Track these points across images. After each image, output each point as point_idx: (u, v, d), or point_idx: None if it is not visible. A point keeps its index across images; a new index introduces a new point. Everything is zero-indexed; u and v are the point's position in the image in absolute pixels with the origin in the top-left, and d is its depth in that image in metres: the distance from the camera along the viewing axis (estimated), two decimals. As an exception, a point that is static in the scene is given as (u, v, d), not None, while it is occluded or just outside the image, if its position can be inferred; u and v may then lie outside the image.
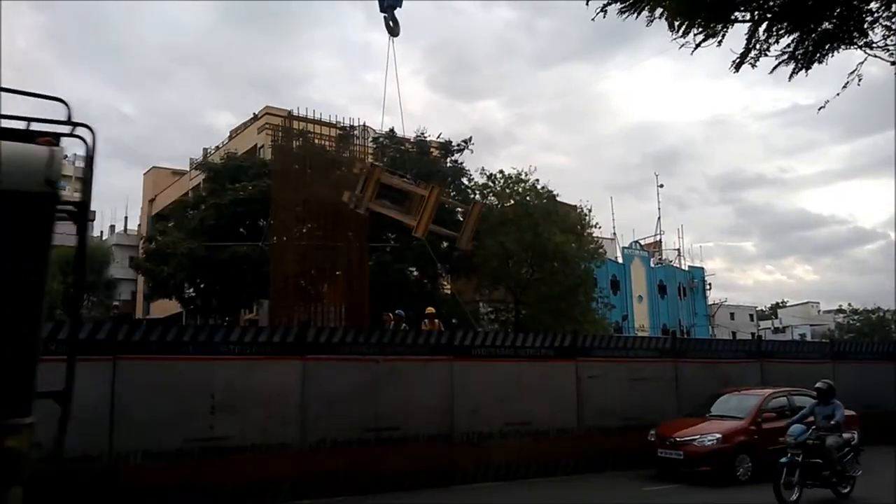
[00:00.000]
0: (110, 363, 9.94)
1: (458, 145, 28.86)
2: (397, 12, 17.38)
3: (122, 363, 10.02)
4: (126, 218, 59.00)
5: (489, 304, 28.46)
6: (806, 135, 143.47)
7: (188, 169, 45.34)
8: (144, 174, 55.39)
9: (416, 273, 26.08)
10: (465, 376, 12.80)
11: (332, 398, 11.44)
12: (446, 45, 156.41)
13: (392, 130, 26.89)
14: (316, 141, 21.12)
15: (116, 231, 57.83)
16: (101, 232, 59.25)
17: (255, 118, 40.48)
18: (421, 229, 17.80)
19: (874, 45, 6.34)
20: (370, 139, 26.44)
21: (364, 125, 23.89)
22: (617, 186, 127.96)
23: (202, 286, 28.37)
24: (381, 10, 17.28)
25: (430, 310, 17.39)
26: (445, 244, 19.22)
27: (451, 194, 26.20)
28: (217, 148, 42.92)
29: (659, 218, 50.93)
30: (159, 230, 32.24)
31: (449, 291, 26.79)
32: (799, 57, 6.60)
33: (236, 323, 28.61)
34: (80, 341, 9.86)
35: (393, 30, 17.40)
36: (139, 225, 54.17)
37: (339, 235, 19.11)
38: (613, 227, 48.23)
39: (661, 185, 51.14)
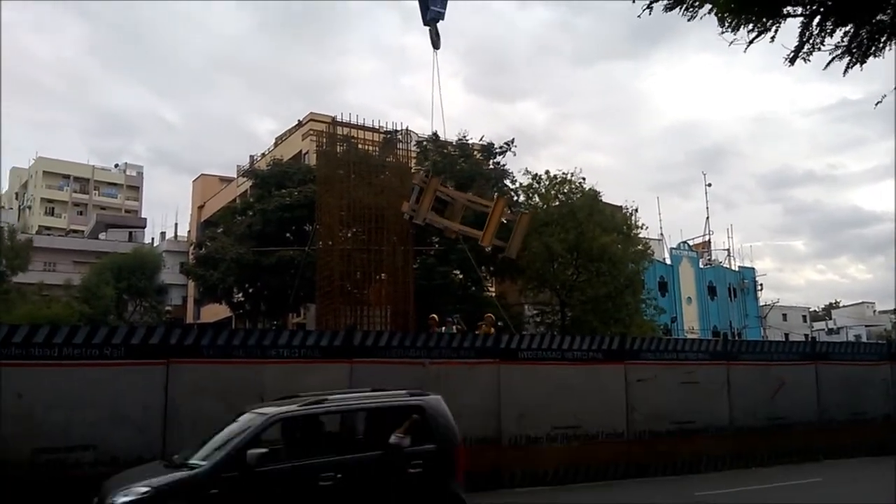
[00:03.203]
0: (164, 367, 10.15)
1: (501, 147, 28.83)
2: (439, 25, 17.53)
3: (174, 366, 10.22)
4: (176, 224, 60.61)
5: (534, 307, 28.26)
6: (855, 130, 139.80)
7: (235, 176, 46.30)
8: (193, 181, 56.66)
9: (460, 276, 26.06)
10: (511, 379, 12.73)
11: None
12: (484, 47, 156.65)
13: (435, 134, 26.95)
14: (359, 146, 21.27)
15: (167, 237, 59.27)
16: (153, 238, 60.83)
17: (300, 124, 41.05)
18: (487, 239, 17.93)
19: None
20: (413, 143, 26.57)
21: (407, 129, 23.99)
22: (661, 186, 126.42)
23: (250, 290, 28.86)
24: (425, 24, 17.45)
25: (490, 316, 17.39)
26: (489, 249, 19.17)
27: (493, 196, 26.14)
28: (263, 155, 43.71)
29: (707, 217, 50.01)
30: (208, 236, 32.94)
31: (493, 294, 26.70)
32: (854, 50, 6.37)
33: (284, 326, 29.02)
34: (135, 346, 10.13)
35: (436, 42, 17.56)
36: (189, 231, 55.45)
37: (384, 239, 19.21)
38: (660, 228, 47.58)
39: (710, 185, 50.09)
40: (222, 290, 28.94)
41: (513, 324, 22.40)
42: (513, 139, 28.93)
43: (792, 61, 6.43)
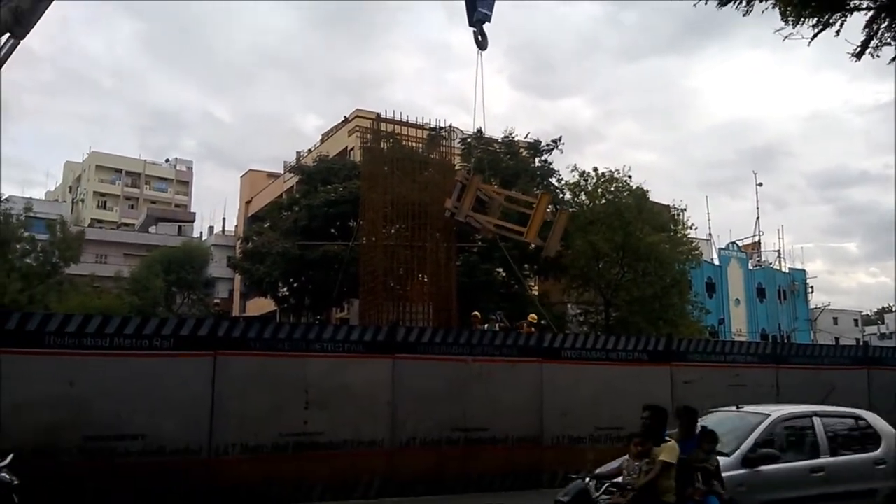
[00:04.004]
0: (211, 359, 10.33)
1: (548, 145, 28.65)
2: (485, 26, 17.44)
3: (221, 358, 10.39)
4: (224, 219, 61.85)
5: (578, 306, 28.01)
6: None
7: (282, 171, 46.96)
8: (241, 177, 57.67)
9: (503, 274, 25.98)
10: (554, 379, 12.63)
11: (422, 397, 11.51)
12: (529, 43, 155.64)
13: (480, 131, 26.90)
14: (404, 142, 21.36)
15: (215, 232, 60.45)
16: (201, 233, 62.14)
17: (346, 121, 41.42)
18: (531, 235, 17.89)
19: None
20: (457, 140, 26.56)
21: (451, 126, 24.00)
22: (710, 185, 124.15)
23: (295, 285, 29.25)
24: (470, 25, 17.38)
25: (533, 317, 17.32)
26: (533, 246, 19.07)
27: (538, 194, 25.99)
28: (309, 151, 44.23)
29: (757, 218, 48.46)
30: (255, 231, 33.51)
31: (536, 292, 26.55)
32: None
33: (328, 321, 29.35)
34: (183, 337, 10.34)
35: (481, 43, 17.48)
36: (236, 226, 56.47)
37: (427, 236, 19.26)
38: (709, 228, 46.62)
39: (760, 184, 48.85)
40: (268, 284, 29.39)
41: (556, 323, 22.24)
42: (560, 137, 28.75)
43: (859, 56, 6.23)
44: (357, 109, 40.55)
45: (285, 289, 30.17)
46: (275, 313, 35.91)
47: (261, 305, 40.12)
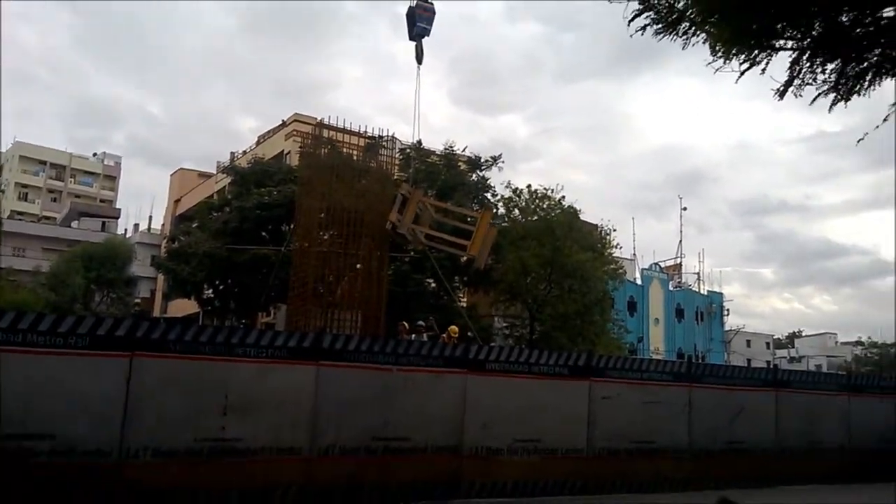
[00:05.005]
0: (128, 360, 10.07)
1: (487, 161, 29.03)
2: (425, 41, 17.90)
3: (138, 360, 10.14)
4: (150, 217, 60.09)
5: (505, 319, 28.44)
6: (833, 162, 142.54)
7: (215, 172, 46.03)
8: (171, 175, 56.23)
9: (433, 285, 26.15)
10: (478, 390, 12.78)
11: (344, 405, 11.49)
12: (470, 58, 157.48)
13: (419, 142, 27.12)
14: (343, 149, 21.33)
15: (140, 230, 58.64)
16: (126, 230, 60.17)
17: (284, 125, 41.01)
18: (475, 250, 18.10)
19: None
20: (397, 150, 26.69)
21: (392, 136, 24.11)
22: (638, 206, 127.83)
23: (221, 287, 28.68)
24: (411, 39, 17.79)
25: (454, 329, 17.50)
26: (465, 259, 19.34)
27: (475, 209, 26.34)
28: (244, 152, 43.54)
29: (680, 241, 50.45)
30: (183, 230, 32.70)
31: (465, 304, 26.82)
32: (840, 87, 6.53)
33: (253, 326, 28.86)
34: (100, 337, 10.06)
35: (419, 57, 17.91)
36: (163, 224, 54.99)
37: (360, 244, 19.26)
38: (633, 248, 48.26)
39: (685, 209, 50.74)
40: (192, 286, 28.72)
41: (482, 335, 22.51)
42: (500, 155, 29.21)
43: (781, 95, 6.56)
44: (296, 114, 40.21)
45: (210, 291, 29.54)
46: (198, 316, 35.09)
47: (184, 307, 39.08)
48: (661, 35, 6.92)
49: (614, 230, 29.49)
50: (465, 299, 28.08)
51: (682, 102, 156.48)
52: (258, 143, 44.64)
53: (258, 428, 10.73)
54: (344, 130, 21.35)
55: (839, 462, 16.67)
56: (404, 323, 16.43)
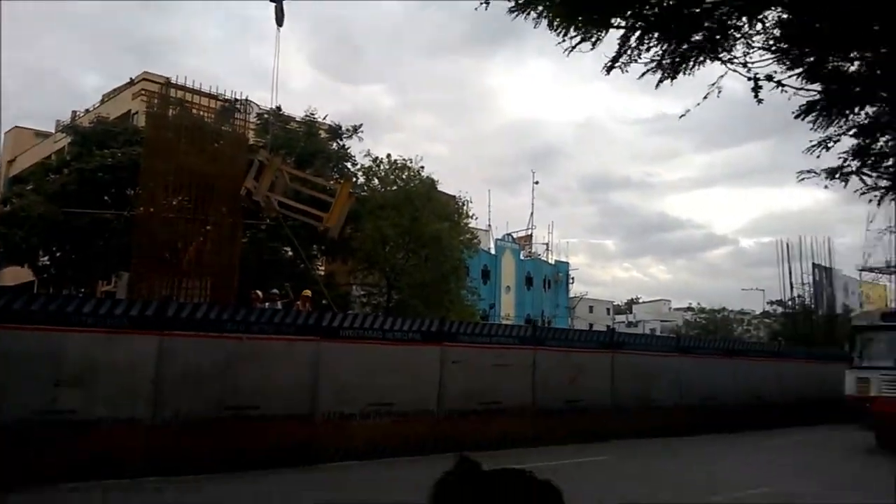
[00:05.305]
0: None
1: (348, 130, 28.71)
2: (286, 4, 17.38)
3: (-40, 329, 9.40)
4: (-21, 178, 54.47)
5: (363, 288, 28.57)
6: (671, 142, 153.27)
7: (54, 131, 42.57)
8: (5, 133, 51.39)
9: (290, 253, 25.76)
10: (331, 357, 12.88)
11: (191, 375, 11.22)
12: (333, 24, 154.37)
13: (278, 108, 26.45)
14: (194, 111, 20.40)
15: (-34, 191, 53.27)
16: (-51, 191, 54.42)
17: (132, 83, 38.57)
18: (333, 221, 17.85)
19: (735, 60, 6.60)
20: (253, 114, 25.88)
21: (247, 99, 23.31)
22: (493, 180, 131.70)
23: (58, 254, 26.74)
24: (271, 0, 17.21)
25: (307, 293, 17.36)
26: (321, 229, 19.18)
27: (335, 177, 26.12)
28: (87, 111, 40.60)
29: (532, 213, 53.21)
30: (16, 192, 30.07)
31: (322, 273, 26.67)
32: (666, 66, 6.92)
33: (92, 294, 27.21)
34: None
35: (279, 19, 17.40)
36: (-7, 186, 50.24)
37: (212, 210, 18.58)
38: (488, 220, 49.95)
39: (537, 182, 52.95)
40: (25, 252, 26.54)
41: (340, 304, 22.51)
42: (361, 125, 28.86)
43: (608, 70, 6.89)
44: (145, 72, 37.88)
45: (46, 258, 27.46)
46: (32, 284, 32.56)
47: (16, 275, 36.08)
48: (514, 14, 7.10)
49: (470, 201, 30.46)
50: (322, 268, 27.88)
51: (537, 80, 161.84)
52: (103, 101, 41.74)
53: (94, 399, 10.27)
54: (196, 91, 20.39)
55: (670, 417, 18.27)
56: (257, 291, 16.12)
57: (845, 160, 7.29)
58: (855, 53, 6.53)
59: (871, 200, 7.87)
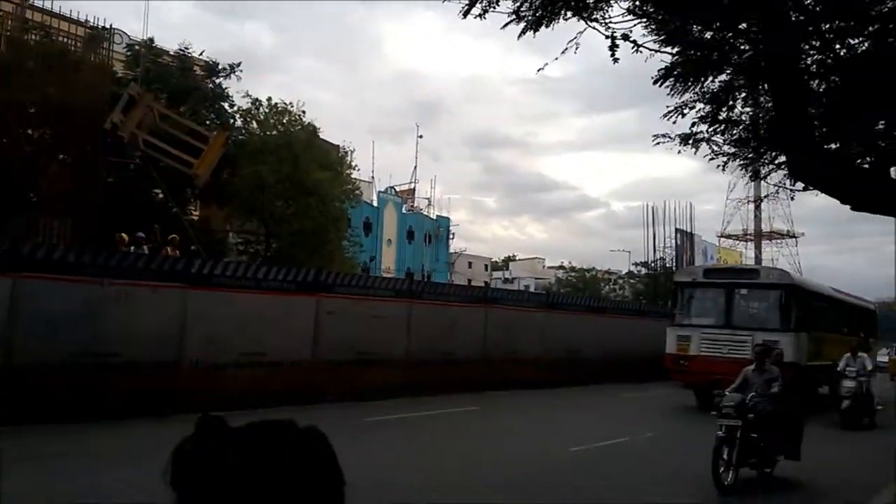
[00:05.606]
0: None
1: (224, 68, 27.34)
2: None
3: None
4: None
5: (240, 235, 27.76)
6: (552, 105, 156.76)
7: None
8: None
9: (161, 195, 24.55)
10: (200, 305, 12.57)
11: (47, 320, 10.62)
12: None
13: (151, 40, 24.87)
14: (55, 38, 18.88)
15: None
16: None
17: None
18: (203, 170, 17.03)
19: (599, 19, 6.72)
20: (123, 45, 24.21)
21: (113, 28, 21.72)
22: (378, 130, 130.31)
23: None
24: None
25: (175, 237, 16.67)
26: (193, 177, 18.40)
27: (211, 118, 24.97)
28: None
29: (415, 167, 52.95)
30: None
31: (196, 217, 25.65)
32: (525, 16, 6.89)
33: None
34: None
35: None
36: None
37: (75, 146, 17.39)
38: (372, 171, 49.42)
39: (421, 136, 53.13)
40: None
41: (216, 251, 21.81)
42: (239, 63, 27.53)
43: (464, 15, 6.90)
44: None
45: None
46: None
47: None
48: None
49: (353, 151, 30.01)
50: (196, 213, 26.79)
51: (426, 33, 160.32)
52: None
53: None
54: (57, 15, 18.88)
55: (537, 370, 19.17)
56: (123, 234, 15.29)
57: (696, 125, 7.73)
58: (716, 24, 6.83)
59: (718, 166, 8.42)
